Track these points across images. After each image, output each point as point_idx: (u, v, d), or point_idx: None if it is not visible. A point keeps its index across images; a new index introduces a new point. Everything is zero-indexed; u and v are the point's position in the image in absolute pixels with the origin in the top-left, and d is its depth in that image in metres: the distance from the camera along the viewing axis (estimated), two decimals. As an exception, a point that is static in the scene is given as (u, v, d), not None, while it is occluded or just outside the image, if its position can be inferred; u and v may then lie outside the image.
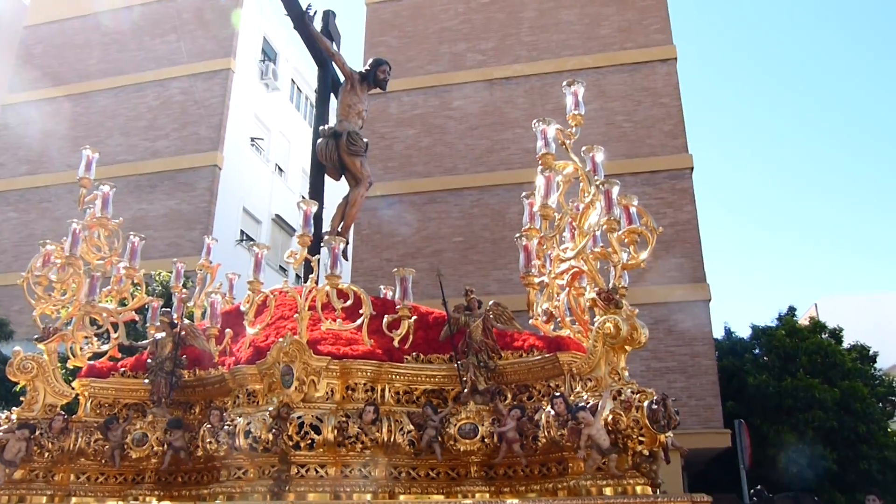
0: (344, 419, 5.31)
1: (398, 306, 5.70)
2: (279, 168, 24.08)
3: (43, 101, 21.87)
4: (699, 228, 19.06)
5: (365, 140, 7.09)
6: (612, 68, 20.80)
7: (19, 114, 22.03)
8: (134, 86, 21.46)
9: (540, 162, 5.70)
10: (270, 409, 5.32)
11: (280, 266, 22.86)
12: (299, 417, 5.29)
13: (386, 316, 5.75)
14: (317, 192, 7.15)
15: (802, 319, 21.83)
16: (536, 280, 5.77)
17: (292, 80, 25.52)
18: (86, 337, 6.41)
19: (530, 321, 6.05)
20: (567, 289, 5.74)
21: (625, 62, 20.67)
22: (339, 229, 6.99)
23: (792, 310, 20.51)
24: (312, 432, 5.27)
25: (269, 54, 23.72)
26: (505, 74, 20.81)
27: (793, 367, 17.81)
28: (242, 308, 5.98)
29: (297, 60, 25.82)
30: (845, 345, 19.25)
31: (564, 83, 5.91)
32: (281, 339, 5.52)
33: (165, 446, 5.79)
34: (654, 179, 19.90)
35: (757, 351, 19.44)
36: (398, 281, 5.77)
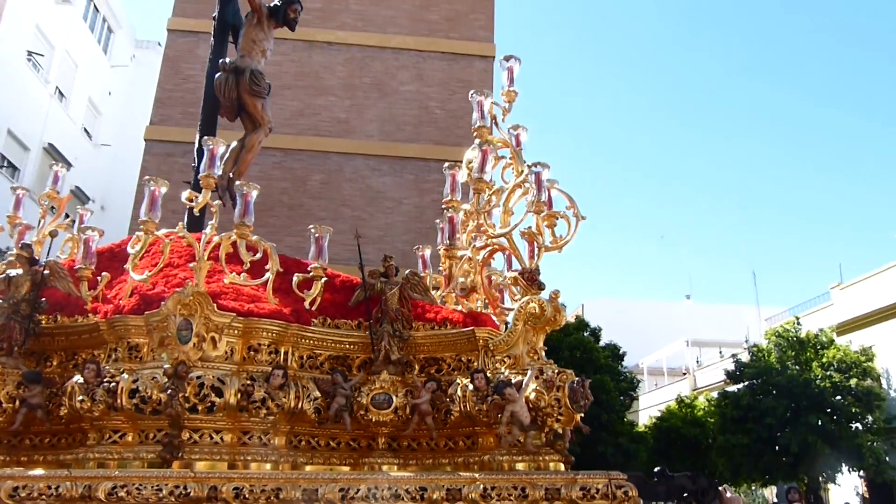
0: (249, 382, 4.90)
1: (312, 266, 5.36)
2: (60, 92, 21.30)
3: None
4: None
5: (268, 82, 6.52)
6: (433, 54, 21.10)
7: None
8: None
9: (475, 135, 5.65)
10: (166, 366, 4.75)
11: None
12: (199, 377, 4.79)
13: (297, 274, 5.39)
14: (209, 129, 6.45)
15: (570, 317, 23.86)
16: (459, 254, 5.72)
17: (90, -6, 22.64)
18: None
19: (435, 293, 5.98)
20: (482, 266, 5.77)
21: (446, 51, 21.06)
22: (231, 175, 6.37)
23: (562, 307, 22.27)
24: (213, 395, 4.80)
25: (61, -41, 20.84)
26: (327, 39, 20.27)
27: (556, 360, 19.38)
28: (130, 250, 5.24)
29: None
30: (602, 343, 21.38)
31: (501, 58, 5.88)
32: (180, 290, 4.94)
33: (17, 403, 4.93)
34: (457, 169, 20.49)
35: (526, 343, 20.85)
36: (313, 239, 5.42)
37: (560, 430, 5.01)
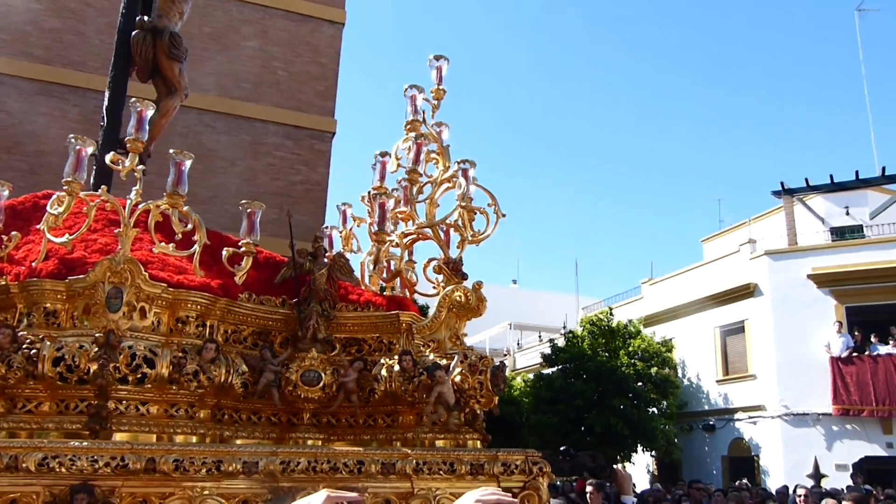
0: (181, 354, 4.83)
1: (243, 241, 5.33)
2: None
3: None
4: (328, 192, 20.07)
5: (185, 46, 6.26)
6: (279, 12, 20.68)
7: None
8: None
9: (408, 128, 5.86)
10: (96, 334, 4.57)
11: None
12: (130, 347, 4.66)
13: (226, 248, 5.34)
14: (120, 87, 6.07)
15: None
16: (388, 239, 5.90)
17: None
18: None
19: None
20: (402, 252, 6.01)
21: (293, 10, 20.69)
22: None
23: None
24: (146, 366, 4.69)
25: None
26: (164, -21, 19.09)
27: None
28: (51, 210, 4.91)
29: None
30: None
31: (431, 56, 6.11)
32: (110, 256, 4.75)
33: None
34: (297, 134, 20.36)
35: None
36: (245, 214, 5.38)
37: (478, 411, 5.42)
